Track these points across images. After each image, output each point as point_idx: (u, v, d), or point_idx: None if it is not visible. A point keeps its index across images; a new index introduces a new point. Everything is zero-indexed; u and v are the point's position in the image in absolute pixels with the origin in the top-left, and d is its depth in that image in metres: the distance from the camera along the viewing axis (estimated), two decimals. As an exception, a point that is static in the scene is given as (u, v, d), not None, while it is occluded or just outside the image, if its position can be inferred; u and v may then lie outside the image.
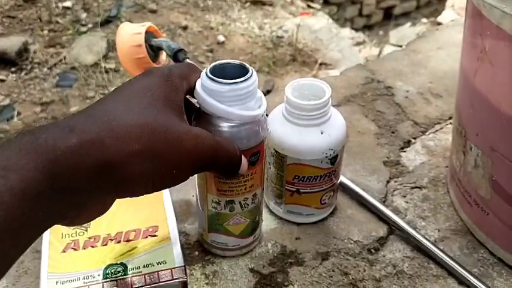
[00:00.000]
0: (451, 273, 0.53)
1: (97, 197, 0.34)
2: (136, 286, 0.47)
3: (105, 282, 0.47)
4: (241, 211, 0.51)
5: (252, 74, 0.44)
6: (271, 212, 0.61)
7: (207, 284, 0.53)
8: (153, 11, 2.26)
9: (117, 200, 0.55)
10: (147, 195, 0.51)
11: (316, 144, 0.52)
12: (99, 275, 0.48)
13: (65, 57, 1.90)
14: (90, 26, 2.14)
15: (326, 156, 0.52)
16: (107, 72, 1.79)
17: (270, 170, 0.57)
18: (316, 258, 0.55)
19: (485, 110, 0.48)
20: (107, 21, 2.14)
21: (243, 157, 0.44)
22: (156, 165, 0.33)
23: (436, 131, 0.73)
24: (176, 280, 0.49)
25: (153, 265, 0.49)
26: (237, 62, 0.47)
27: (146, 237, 0.52)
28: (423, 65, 0.88)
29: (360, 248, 0.57)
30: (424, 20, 2.15)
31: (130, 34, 0.85)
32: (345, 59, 2.05)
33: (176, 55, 0.87)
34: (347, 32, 2.60)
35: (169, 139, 0.33)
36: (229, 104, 0.43)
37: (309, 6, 2.87)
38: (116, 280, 0.48)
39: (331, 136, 0.52)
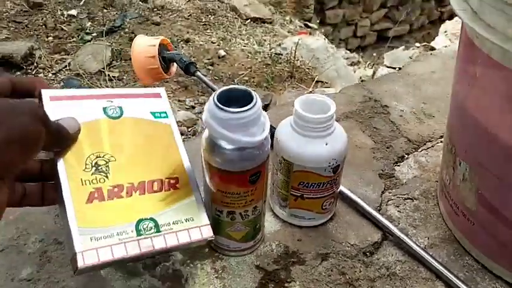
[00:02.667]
0: (439, 276, 0.59)
1: None
2: (171, 245, 0.49)
3: (141, 239, 0.47)
4: (242, 221, 0.56)
5: (255, 103, 0.48)
6: (275, 215, 0.66)
7: (216, 277, 0.58)
8: (157, 23, 2.32)
9: (131, 147, 0.52)
10: (161, 146, 0.53)
11: (321, 154, 0.57)
12: (132, 231, 0.47)
13: (69, 64, 1.95)
14: (94, 34, 2.18)
15: (329, 165, 0.58)
16: (110, 80, 1.84)
17: (276, 176, 0.62)
18: (316, 258, 0.60)
19: (474, 129, 0.54)
20: (111, 31, 2.19)
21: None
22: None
23: (428, 148, 0.79)
24: (205, 239, 0.51)
25: (182, 222, 0.50)
26: (242, 88, 0.51)
27: (169, 189, 0.51)
28: (417, 87, 0.94)
29: (356, 251, 0.62)
30: (417, 44, 2.24)
31: (145, 46, 0.91)
32: (340, 77, 2.12)
33: (188, 67, 0.93)
34: (342, 52, 2.67)
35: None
36: (233, 129, 0.48)
37: (306, 25, 2.95)
38: (151, 238, 0.48)
39: (334, 147, 0.58)
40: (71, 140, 0.47)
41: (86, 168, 0.48)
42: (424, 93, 0.92)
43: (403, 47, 2.21)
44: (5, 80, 0.44)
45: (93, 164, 0.48)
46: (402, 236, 0.62)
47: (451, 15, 4.42)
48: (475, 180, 0.56)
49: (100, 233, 0.46)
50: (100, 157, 0.49)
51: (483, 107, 0.52)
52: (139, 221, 0.48)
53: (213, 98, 0.48)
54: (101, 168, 0.49)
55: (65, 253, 0.59)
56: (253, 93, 0.49)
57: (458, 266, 0.61)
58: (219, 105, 0.47)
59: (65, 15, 2.32)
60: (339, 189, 0.64)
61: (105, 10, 2.41)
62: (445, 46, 1.11)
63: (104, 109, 0.52)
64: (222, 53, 2.16)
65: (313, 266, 0.60)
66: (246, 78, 2.02)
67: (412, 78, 0.96)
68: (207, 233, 0.51)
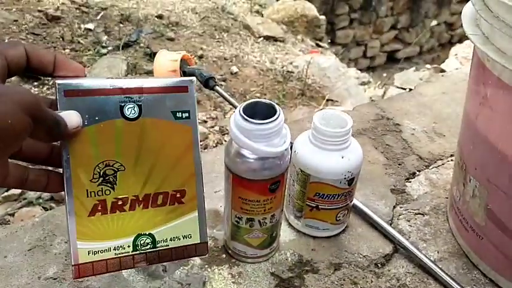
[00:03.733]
0: (448, 288, 0.61)
1: None
2: (165, 260, 0.50)
3: (136, 254, 0.49)
4: (260, 228, 0.59)
5: (278, 115, 0.51)
6: (290, 225, 0.68)
7: (233, 282, 0.60)
8: (171, 39, 2.38)
9: (143, 155, 0.49)
10: (176, 154, 0.49)
11: (337, 167, 0.60)
12: (129, 246, 0.48)
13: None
14: (110, 48, 2.24)
15: (344, 178, 0.60)
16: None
17: (293, 187, 0.64)
18: (330, 267, 0.63)
19: (484, 147, 0.57)
20: (127, 45, 2.25)
21: (70, 114, 0.44)
22: None
23: (439, 166, 0.82)
24: (200, 256, 0.53)
25: (179, 238, 0.51)
26: (267, 101, 0.54)
27: (173, 203, 0.50)
28: (428, 107, 0.97)
29: (368, 262, 0.64)
30: (428, 66, 2.28)
31: (167, 60, 0.95)
32: (350, 96, 2.15)
33: (207, 82, 0.97)
34: (353, 71, 2.71)
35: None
36: (257, 140, 0.51)
37: (317, 45, 3.00)
38: (146, 253, 0.49)
39: (350, 160, 0.60)
40: (68, 136, 0.44)
41: (93, 178, 0.47)
42: (435, 113, 0.95)
43: (414, 68, 2.25)
44: (21, 55, 0.42)
45: (101, 174, 0.47)
46: (413, 248, 0.64)
47: (461, 39, 4.48)
48: (484, 196, 0.58)
49: (98, 247, 0.47)
50: (109, 166, 0.47)
51: (493, 126, 0.55)
52: (138, 236, 0.49)
53: (239, 109, 0.51)
54: (108, 179, 0.47)
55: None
56: (277, 106, 0.52)
57: (466, 279, 0.63)
58: (245, 116, 0.50)
59: (82, 29, 2.39)
60: (352, 202, 0.66)
61: (121, 25, 2.48)
62: (456, 68, 1.13)
63: (122, 108, 0.47)
64: (234, 69, 2.21)
65: (327, 275, 0.62)
66: (258, 94, 2.05)
67: (424, 99, 0.99)
68: (202, 251, 0.52)
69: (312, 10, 3.02)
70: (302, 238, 0.67)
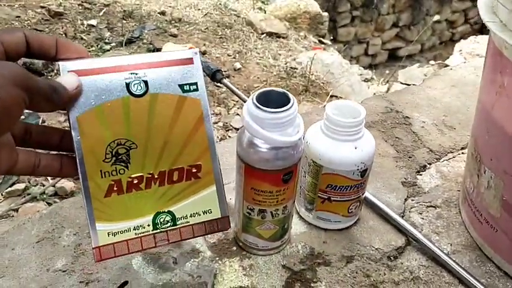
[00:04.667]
0: (462, 281, 0.60)
1: None
2: (186, 237, 0.49)
3: (156, 233, 0.48)
4: (272, 219, 0.58)
5: (292, 104, 0.50)
6: (301, 217, 0.67)
7: (244, 275, 0.59)
8: (174, 35, 2.36)
9: (154, 131, 0.48)
10: (188, 128, 0.48)
11: (350, 157, 0.59)
12: (149, 225, 0.48)
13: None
14: (113, 44, 2.23)
15: (357, 169, 0.60)
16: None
17: (304, 179, 0.64)
18: (342, 260, 0.62)
19: (500, 137, 0.56)
20: (130, 41, 2.24)
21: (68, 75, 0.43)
22: None
23: (449, 158, 0.81)
24: (221, 231, 0.52)
25: (200, 214, 0.50)
26: (280, 90, 0.53)
27: (190, 178, 0.49)
28: (438, 100, 0.96)
29: (380, 255, 0.63)
30: (432, 62, 2.27)
31: (174, 52, 0.93)
32: (354, 93, 2.14)
33: (214, 75, 0.96)
34: (356, 68, 2.70)
35: None
36: (270, 129, 0.50)
37: (320, 41, 2.99)
38: (166, 231, 0.48)
39: (363, 151, 0.59)
40: (70, 98, 0.43)
41: (106, 158, 0.46)
42: (445, 106, 0.94)
43: (418, 64, 2.24)
44: (19, 40, 0.41)
45: (114, 154, 0.46)
46: (426, 241, 0.63)
47: (462, 37, 4.46)
48: (500, 187, 0.57)
49: (117, 227, 0.46)
50: (121, 145, 0.46)
51: (510, 115, 0.54)
52: (157, 214, 0.48)
53: (253, 98, 0.50)
54: (121, 158, 0.46)
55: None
56: (290, 95, 0.51)
57: (480, 272, 0.62)
58: (258, 105, 0.49)
59: (85, 25, 2.38)
60: (364, 194, 0.65)
61: (124, 21, 2.47)
62: (464, 62, 1.12)
63: (128, 85, 0.46)
64: (237, 65, 2.20)
65: (339, 268, 0.61)
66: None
67: (433, 92, 0.98)
68: (224, 225, 0.51)
69: (315, 7, 3.01)
70: (313, 231, 0.66)
